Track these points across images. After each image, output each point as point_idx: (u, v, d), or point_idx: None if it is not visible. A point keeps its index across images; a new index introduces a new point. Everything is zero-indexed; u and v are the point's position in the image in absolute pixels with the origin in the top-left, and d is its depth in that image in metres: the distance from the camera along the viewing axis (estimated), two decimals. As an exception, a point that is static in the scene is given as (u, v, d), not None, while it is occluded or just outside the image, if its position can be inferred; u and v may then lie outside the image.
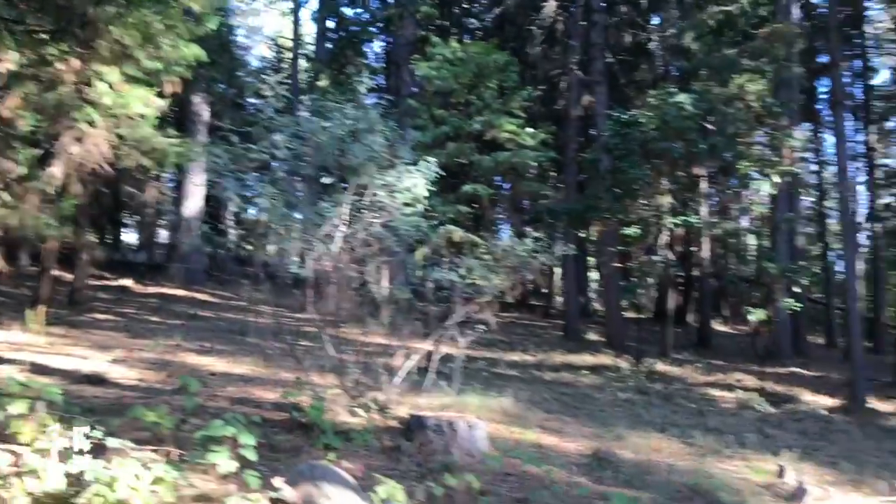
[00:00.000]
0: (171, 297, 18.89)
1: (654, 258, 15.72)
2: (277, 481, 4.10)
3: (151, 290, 19.66)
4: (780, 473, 7.96)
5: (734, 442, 9.56)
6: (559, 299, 32.23)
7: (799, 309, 16.09)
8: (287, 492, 4.18)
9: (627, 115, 16.01)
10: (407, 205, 7.72)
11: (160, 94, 12.08)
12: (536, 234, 8.56)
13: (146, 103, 11.29)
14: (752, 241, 29.05)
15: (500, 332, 19.00)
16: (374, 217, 7.71)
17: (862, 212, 30.23)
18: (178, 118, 21.73)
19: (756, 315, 14.49)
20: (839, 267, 29.82)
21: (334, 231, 7.60)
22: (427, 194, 7.74)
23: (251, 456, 5.48)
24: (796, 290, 16.68)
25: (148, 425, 5.95)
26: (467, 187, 16.36)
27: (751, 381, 15.30)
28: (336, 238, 7.59)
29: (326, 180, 8.11)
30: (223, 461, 5.19)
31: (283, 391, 7.85)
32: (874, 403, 13.92)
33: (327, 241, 7.56)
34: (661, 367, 16.31)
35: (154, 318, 15.13)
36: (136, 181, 15.38)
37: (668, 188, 16.38)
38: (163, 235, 31.35)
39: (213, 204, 23.53)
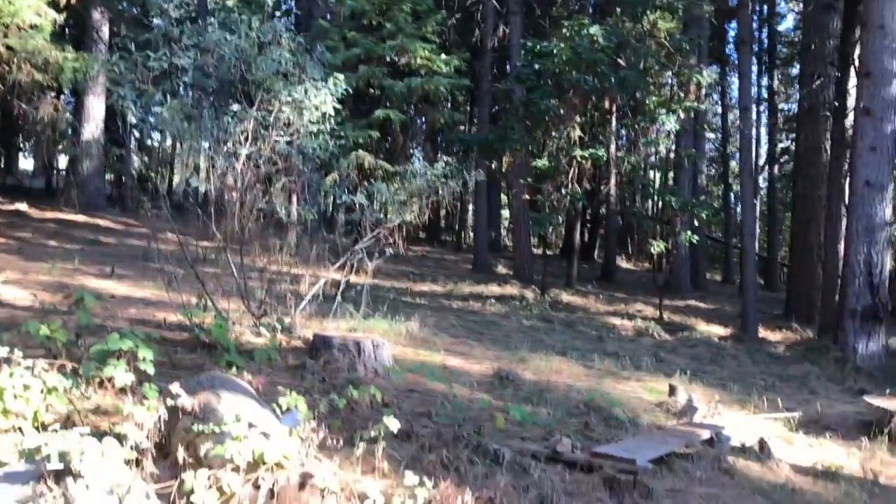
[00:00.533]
0: (70, 223, 18.16)
1: (564, 191, 15.96)
2: (175, 387, 4.05)
3: (49, 215, 18.84)
4: (672, 392, 8.33)
5: (630, 365, 9.95)
6: (471, 234, 32.50)
7: (697, 241, 16.67)
8: (185, 399, 4.13)
9: (540, 46, 16.02)
10: (314, 123, 7.56)
11: (55, 5, 11.43)
12: (447, 159, 8.53)
13: (38, 12, 10.68)
14: (657, 178, 29.87)
15: (410, 264, 19.13)
16: (279, 135, 7.54)
17: (762, 154, 31.40)
18: (76, 36, 20.61)
19: (657, 247, 14.97)
20: (740, 209, 31.02)
21: (239, 148, 7.41)
22: (334, 112, 7.60)
23: (150, 370, 5.40)
24: (696, 223, 17.28)
25: (41, 340, 5.78)
26: (379, 112, 16.14)
27: (650, 311, 15.88)
28: (240, 155, 7.40)
29: (234, 107, 7.84)
30: (120, 374, 5.10)
31: (185, 311, 7.71)
32: (764, 333, 14.67)
33: (231, 158, 7.37)
34: (565, 297, 16.76)
35: (51, 243, 14.56)
36: (31, 100, 14.53)
37: (578, 121, 16.57)
38: (62, 162, 29.95)
39: (115, 128, 22.59)
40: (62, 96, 21.04)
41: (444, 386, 7.22)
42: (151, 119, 7.96)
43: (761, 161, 30.52)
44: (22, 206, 18.91)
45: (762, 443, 6.88)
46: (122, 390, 5.17)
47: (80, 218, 18.95)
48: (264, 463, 3.36)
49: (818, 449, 7.41)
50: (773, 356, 12.25)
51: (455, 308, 13.73)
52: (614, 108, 17.66)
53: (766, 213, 31.17)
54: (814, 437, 7.73)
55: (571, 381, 8.61)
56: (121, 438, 3.81)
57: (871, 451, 7.28)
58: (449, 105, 21.94)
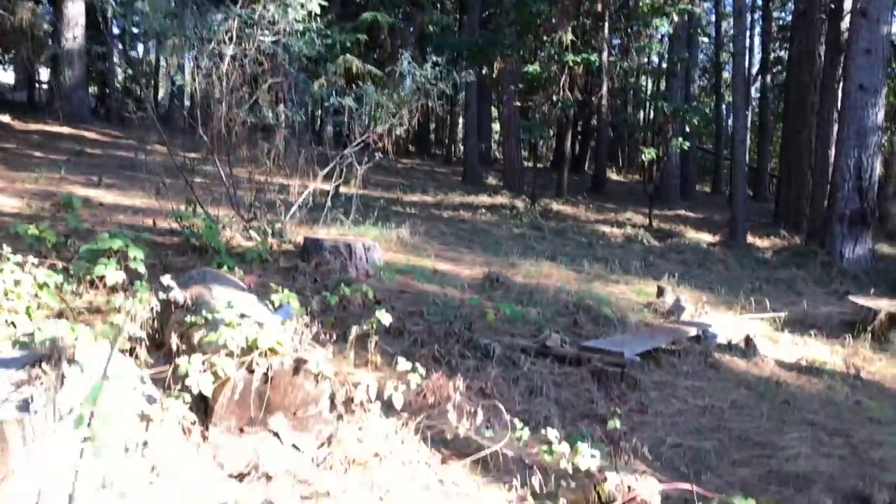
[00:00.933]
0: (55, 135, 17.89)
1: (555, 98, 15.74)
2: (166, 279, 4.06)
3: (33, 127, 18.54)
4: (660, 294, 8.43)
5: (619, 269, 10.02)
6: (461, 148, 32.22)
7: (688, 148, 16.53)
8: (177, 292, 4.15)
9: (531, -55, 15.58)
10: (299, 22, 7.37)
11: None
12: (436, 59, 8.36)
13: None
14: (648, 86, 29.49)
15: (399, 176, 19.03)
16: (264, 34, 7.35)
17: (755, 63, 30.95)
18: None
19: (648, 154, 14.90)
20: (731, 121, 30.67)
21: (223, 48, 7.23)
22: (320, 12, 7.40)
23: (141, 269, 5.41)
24: (687, 130, 17.12)
25: (30, 241, 5.77)
26: (366, 15, 15.73)
27: (639, 219, 15.93)
28: (225, 56, 7.24)
29: (218, 16, 7.59)
30: (111, 273, 5.09)
31: (175, 214, 7.68)
32: (752, 240, 14.76)
33: (216, 59, 7.20)
34: (555, 206, 16.76)
35: (36, 153, 14.36)
36: (6, 7, 14.09)
37: (570, 26, 16.23)
38: (43, 74, 29.30)
39: (97, 36, 22.03)
40: (40, 5, 20.41)
41: (435, 287, 7.28)
42: (134, 28, 7.74)
43: (754, 70, 30.11)
44: (4, 118, 18.59)
45: (748, 340, 7.00)
46: (114, 289, 5.18)
47: (65, 130, 18.67)
48: (258, 348, 3.39)
49: (803, 346, 7.54)
50: (760, 261, 12.36)
51: (445, 217, 13.73)
52: (607, 13, 17.29)
53: (758, 126, 30.91)
54: (799, 335, 7.85)
55: (561, 284, 8.67)
56: (114, 329, 3.84)
57: (854, 348, 7.42)
58: (438, 9, 21.38)
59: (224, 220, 8.09)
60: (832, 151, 13.45)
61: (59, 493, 2.79)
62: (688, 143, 16.06)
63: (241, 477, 3.32)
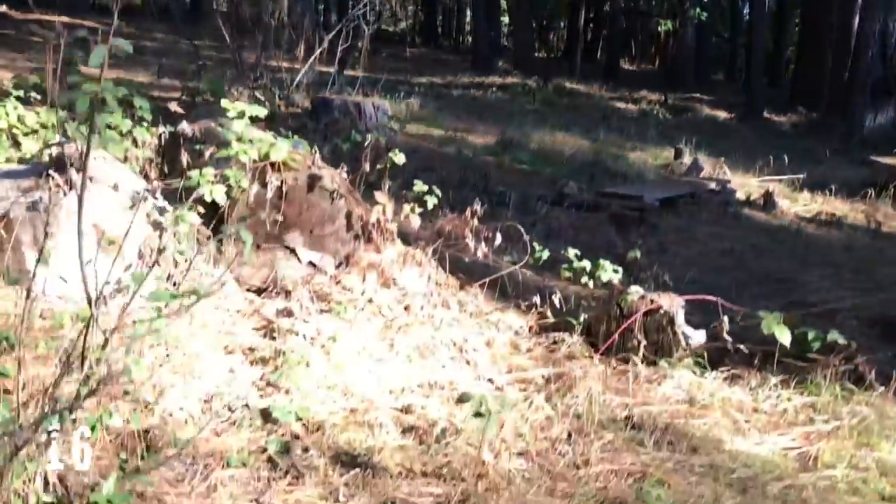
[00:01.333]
0: (53, 24, 17.46)
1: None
2: (173, 105, 3.94)
3: (31, 16, 18.10)
4: (678, 156, 8.27)
5: (635, 137, 9.83)
6: (469, 39, 31.35)
7: (706, 18, 15.78)
8: (185, 125, 4.03)
9: None
10: None
11: None
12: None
13: None
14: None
15: (407, 63, 18.56)
16: None
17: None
18: None
19: (665, 25, 14.41)
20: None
21: None
22: None
23: (147, 116, 5.27)
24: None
25: (31, 88, 5.62)
26: None
27: (654, 97, 15.53)
28: None
29: None
30: (116, 120, 4.96)
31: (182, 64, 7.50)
32: (769, 116, 14.40)
33: None
34: (568, 85, 16.35)
35: (35, 39, 14.02)
36: None
37: None
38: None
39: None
40: None
41: (448, 148, 7.15)
42: None
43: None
44: (1, 8, 18.16)
45: (767, 194, 6.89)
46: (121, 134, 5.07)
47: (64, 19, 18.20)
48: (269, 159, 3.29)
49: (822, 205, 7.42)
50: (778, 132, 12.12)
51: (455, 95, 13.42)
52: None
53: (775, 13, 29.82)
54: (819, 194, 7.72)
55: (575, 150, 8.51)
56: (125, 155, 3.76)
57: (874, 206, 7.30)
58: None
59: (230, 85, 7.89)
60: (856, 20, 12.95)
61: (71, 293, 2.74)
62: (706, 14, 15.35)
63: (259, 291, 3.28)
